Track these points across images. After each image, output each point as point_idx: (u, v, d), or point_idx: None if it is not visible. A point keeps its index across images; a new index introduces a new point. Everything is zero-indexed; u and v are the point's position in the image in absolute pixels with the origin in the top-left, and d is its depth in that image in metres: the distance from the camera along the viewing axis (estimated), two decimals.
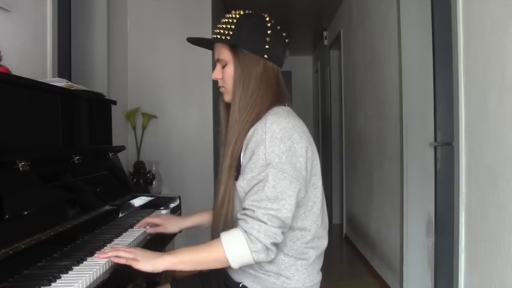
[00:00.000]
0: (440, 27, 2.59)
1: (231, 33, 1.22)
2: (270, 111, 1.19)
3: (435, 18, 2.68)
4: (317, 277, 1.28)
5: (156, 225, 1.55)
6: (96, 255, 1.20)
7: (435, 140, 2.67)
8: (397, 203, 2.90)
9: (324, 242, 1.29)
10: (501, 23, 1.61)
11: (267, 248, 1.11)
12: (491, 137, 1.69)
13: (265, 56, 1.23)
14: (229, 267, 1.13)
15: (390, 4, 2.97)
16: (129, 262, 1.12)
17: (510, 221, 1.55)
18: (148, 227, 1.55)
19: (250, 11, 1.28)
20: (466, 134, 1.90)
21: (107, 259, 1.16)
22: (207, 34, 1.29)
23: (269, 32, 1.24)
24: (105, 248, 1.33)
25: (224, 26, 1.24)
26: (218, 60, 1.28)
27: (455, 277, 1.95)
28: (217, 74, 1.28)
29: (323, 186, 1.32)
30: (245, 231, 1.11)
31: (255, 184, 1.13)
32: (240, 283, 1.26)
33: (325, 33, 5.87)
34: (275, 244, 1.13)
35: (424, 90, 2.72)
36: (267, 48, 1.23)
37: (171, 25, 3.55)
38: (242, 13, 1.26)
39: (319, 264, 1.30)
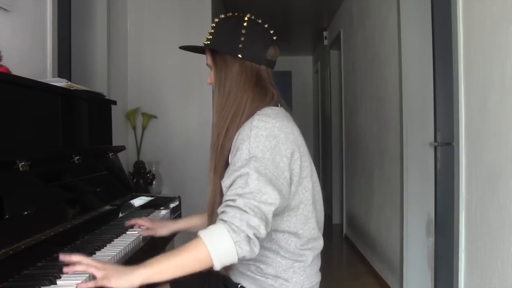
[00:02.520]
0: (440, 27, 2.59)
1: (210, 37, 1.26)
2: (258, 111, 1.18)
3: (435, 18, 2.68)
4: (316, 278, 1.27)
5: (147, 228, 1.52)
6: (64, 269, 1.04)
7: (435, 140, 2.67)
8: (397, 203, 2.90)
9: (320, 243, 1.28)
10: (501, 23, 1.61)
11: (250, 239, 1.02)
12: (491, 137, 1.69)
13: (239, 55, 1.22)
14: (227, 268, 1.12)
15: (390, 4, 2.97)
16: (99, 283, 0.99)
17: (510, 221, 1.55)
18: (139, 228, 1.52)
19: (231, 14, 1.29)
20: (466, 134, 1.90)
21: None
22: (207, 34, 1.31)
23: (243, 31, 1.23)
24: (105, 247, 1.33)
25: (208, 32, 1.27)
26: (208, 66, 1.31)
27: (455, 277, 1.95)
28: (209, 79, 1.30)
29: (321, 186, 1.31)
30: (225, 221, 1.03)
31: (238, 177, 1.09)
32: (239, 284, 1.26)
33: (325, 33, 5.87)
34: (258, 239, 1.05)
35: (424, 90, 2.72)
36: (241, 47, 1.22)
37: (171, 25, 3.55)
38: (223, 16, 1.28)
39: (318, 264, 1.29)
